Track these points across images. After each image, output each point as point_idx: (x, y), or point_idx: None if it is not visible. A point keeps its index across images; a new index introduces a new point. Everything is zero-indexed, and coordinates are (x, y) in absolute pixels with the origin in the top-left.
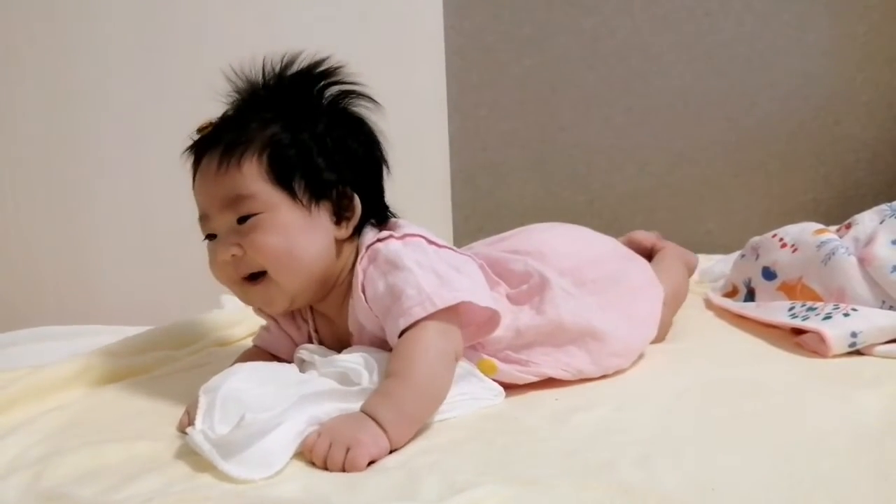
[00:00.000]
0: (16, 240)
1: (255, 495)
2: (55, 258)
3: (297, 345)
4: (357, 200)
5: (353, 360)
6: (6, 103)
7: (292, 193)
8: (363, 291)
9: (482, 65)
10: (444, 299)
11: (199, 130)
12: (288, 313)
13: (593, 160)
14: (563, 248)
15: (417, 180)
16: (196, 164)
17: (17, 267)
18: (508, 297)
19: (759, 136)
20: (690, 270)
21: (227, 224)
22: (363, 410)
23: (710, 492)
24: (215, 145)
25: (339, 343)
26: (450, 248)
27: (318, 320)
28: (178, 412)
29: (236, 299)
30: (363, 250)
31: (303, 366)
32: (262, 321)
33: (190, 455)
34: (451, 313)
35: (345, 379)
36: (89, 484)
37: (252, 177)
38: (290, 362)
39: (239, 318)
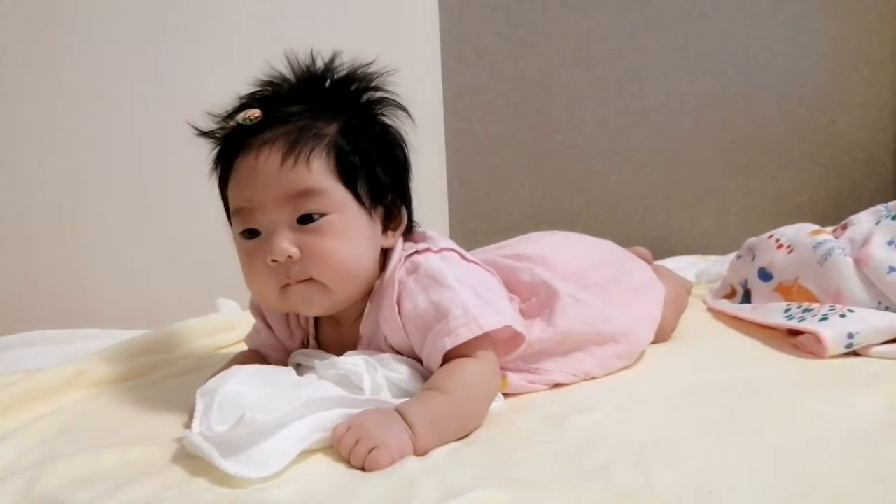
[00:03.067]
0: (11, 243)
1: (251, 499)
2: (51, 262)
3: (287, 349)
4: (404, 210)
5: (354, 363)
6: (2, 104)
7: (357, 196)
8: (397, 302)
9: (478, 67)
10: (490, 322)
11: (247, 119)
12: (282, 319)
13: (589, 162)
14: (565, 253)
15: (413, 182)
16: (234, 155)
17: (13, 271)
18: (521, 311)
19: (755, 137)
20: (687, 291)
21: (284, 220)
22: (397, 409)
23: (707, 494)
24: (272, 139)
25: (343, 348)
26: (477, 264)
27: (323, 325)
28: (173, 417)
29: (232, 303)
30: (397, 260)
31: (299, 369)
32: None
33: (185, 460)
34: (489, 335)
35: (344, 381)
36: (84, 489)
37: (322, 174)
38: (281, 365)
39: (234, 322)
